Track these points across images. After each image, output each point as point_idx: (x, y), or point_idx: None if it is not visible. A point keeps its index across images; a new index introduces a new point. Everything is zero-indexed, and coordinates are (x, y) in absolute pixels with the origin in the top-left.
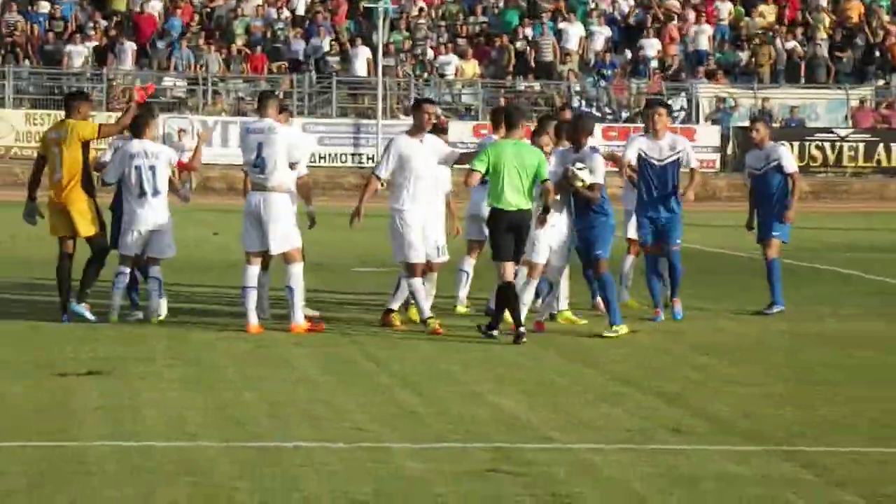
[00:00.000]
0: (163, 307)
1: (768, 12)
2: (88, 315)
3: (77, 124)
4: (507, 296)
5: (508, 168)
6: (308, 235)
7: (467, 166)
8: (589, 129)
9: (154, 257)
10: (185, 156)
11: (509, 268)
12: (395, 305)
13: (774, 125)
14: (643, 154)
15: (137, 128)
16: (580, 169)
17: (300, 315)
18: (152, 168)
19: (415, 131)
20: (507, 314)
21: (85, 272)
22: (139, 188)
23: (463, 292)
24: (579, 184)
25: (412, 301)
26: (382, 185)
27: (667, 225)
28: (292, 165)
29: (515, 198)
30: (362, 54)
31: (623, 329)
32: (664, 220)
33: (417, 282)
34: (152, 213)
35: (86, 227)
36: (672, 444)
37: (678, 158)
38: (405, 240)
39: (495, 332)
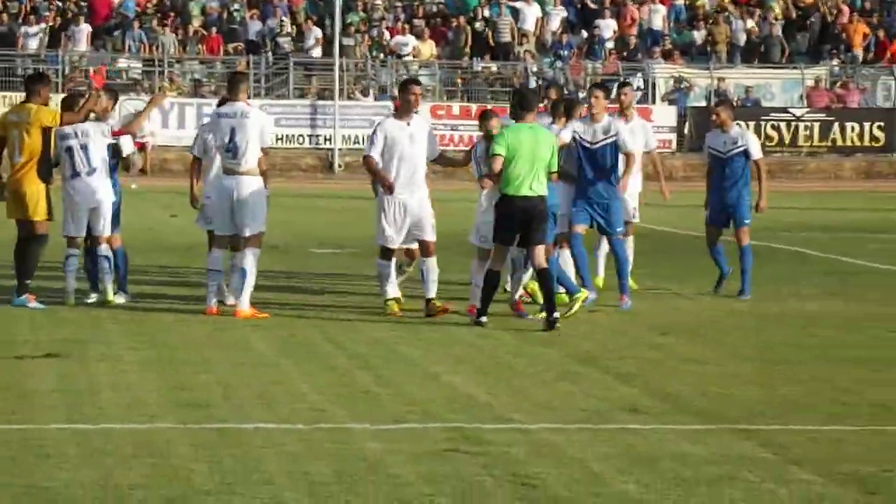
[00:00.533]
0: (109, 290)
1: None
2: (33, 305)
3: (39, 110)
4: (490, 282)
5: (523, 153)
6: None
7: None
8: (529, 107)
9: (96, 236)
10: (147, 139)
11: (500, 253)
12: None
13: None
14: (577, 136)
15: (68, 108)
16: None
17: (247, 300)
18: (84, 147)
19: (402, 114)
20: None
21: (24, 261)
22: (72, 168)
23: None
24: None
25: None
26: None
27: (605, 211)
28: (264, 150)
29: (528, 184)
30: (315, 35)
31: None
32: (602, 205)
33: (385, 265)
34: (90, 192)
35: (32, 211)
36: (629, 424)
37: (613, 142)
38: (380, 223)
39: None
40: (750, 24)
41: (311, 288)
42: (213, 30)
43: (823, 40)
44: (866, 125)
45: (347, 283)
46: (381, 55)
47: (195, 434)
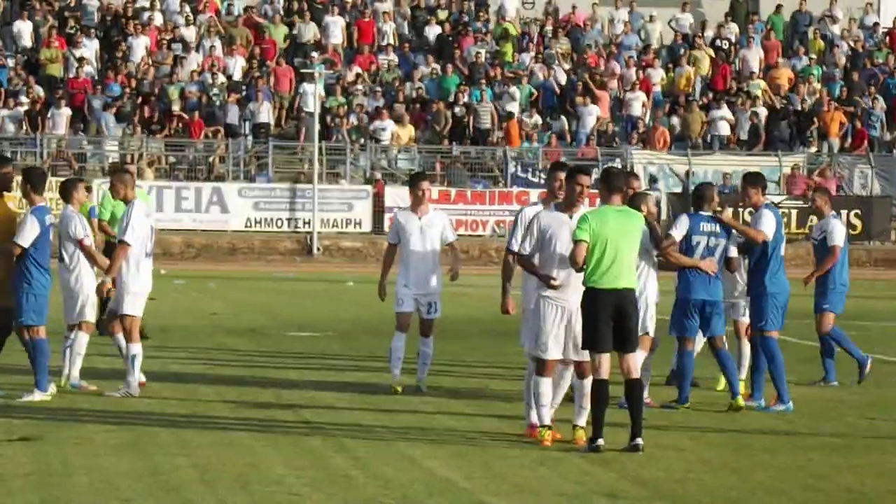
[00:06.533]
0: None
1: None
2: None
3: None
4: (601, 395)
5: (613, 239)
6: (244, 300)
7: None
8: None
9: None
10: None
11: (606, 361)
12: (581, 421)
13: None
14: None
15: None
16: None
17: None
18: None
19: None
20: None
21: None
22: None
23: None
24: None
25: None
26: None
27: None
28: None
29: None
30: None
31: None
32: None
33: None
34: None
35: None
36: None
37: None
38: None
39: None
40: (727, 112)
41: (288, 369)
42: (194, 114)
43: (801, 129)
44: (843, 213)
45: (325, 365)
46: (361, 139)
47: None
